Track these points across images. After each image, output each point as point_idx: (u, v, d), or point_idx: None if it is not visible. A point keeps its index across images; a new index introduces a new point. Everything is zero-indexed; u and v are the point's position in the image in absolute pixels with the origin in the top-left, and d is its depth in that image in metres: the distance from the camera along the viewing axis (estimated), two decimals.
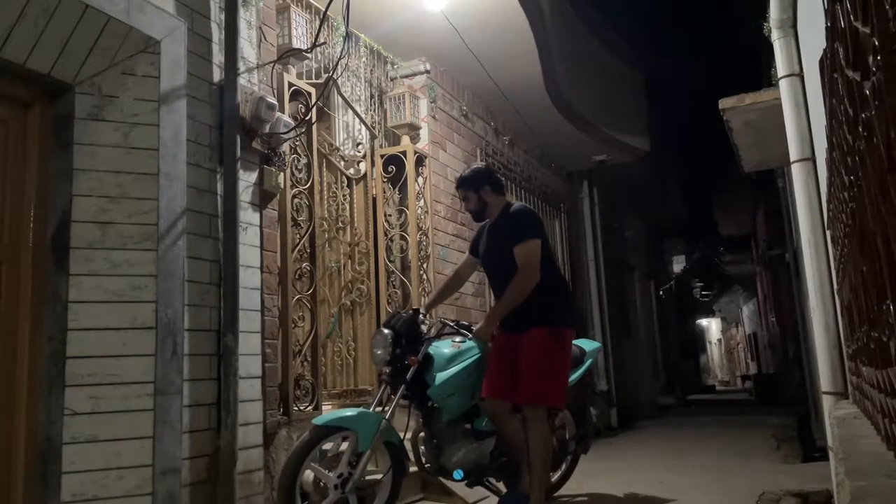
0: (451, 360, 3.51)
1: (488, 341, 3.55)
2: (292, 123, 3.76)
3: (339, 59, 3.96)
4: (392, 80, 5.58)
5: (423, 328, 3.64)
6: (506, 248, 3.48)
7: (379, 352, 3.51)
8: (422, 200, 5.39)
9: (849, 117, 1.23)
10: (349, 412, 3.32)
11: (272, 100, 3.56)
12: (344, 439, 3.25)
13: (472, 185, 3.65)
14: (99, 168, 2.88)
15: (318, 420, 3.23)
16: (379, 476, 3.40)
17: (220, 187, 3.34)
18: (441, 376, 3.44)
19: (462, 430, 3.62)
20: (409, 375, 3.43)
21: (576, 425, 4.24)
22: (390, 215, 5.30)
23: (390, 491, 3.40)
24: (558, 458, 4.13)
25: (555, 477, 4.21)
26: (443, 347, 3.58)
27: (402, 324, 3.54)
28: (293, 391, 3.73)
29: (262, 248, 3.58)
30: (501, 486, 3.74)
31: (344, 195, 5.02)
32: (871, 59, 0.88)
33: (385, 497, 3.39)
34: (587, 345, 4.26)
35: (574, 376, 3.88)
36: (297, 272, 3.90)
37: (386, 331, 3.53)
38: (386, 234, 5.24)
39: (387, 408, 3.43)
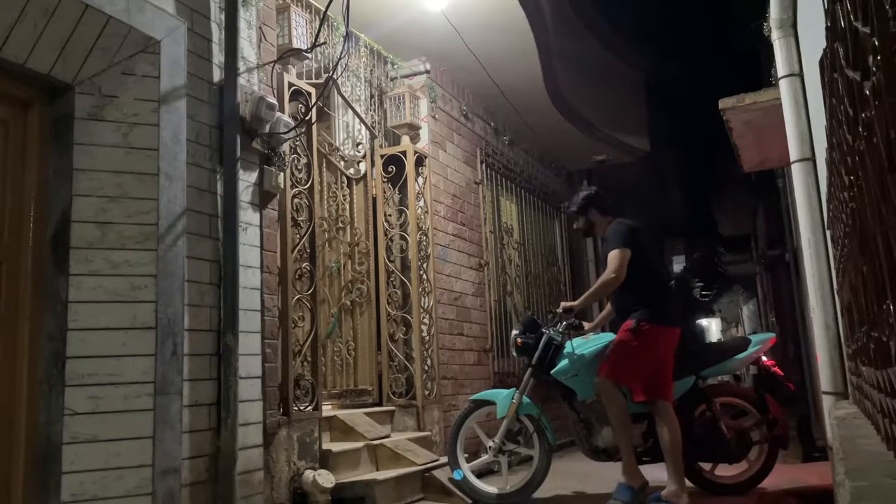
0: (579, 347, 4.16)
1: (571, 312, 4.15)
2: (292, 123, 3.76)
3: (339, 59, 3.96)
4: (392, 80, 5.59)
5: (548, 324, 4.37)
6: (606, 260, 4.04)
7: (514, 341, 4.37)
8: (422, 200, 5.39)
9: (849, 117, 1.23)
10: (494, 391, 4.52)
11: (272, 100, 3.56)
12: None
13: (581, 210, 4.26)
14: (99, 168, 2.88)
15: (473, 397, 4.53)
16: (522, 447, 4.24)
17: (220, 187, 3.34)
18: (560, 360, 4.14)
19: (599, 382, 4.05)
20: (535, 356, 4.17)
21: (758, 411, 4.26)
22: (390, 215, 5.30)
23: (538, 459, 4.18)
24: (734, 449, 4.16)
25: (737, 471, 4.30)
26: (577, 340, 4.22)
27: (525, 320, 4.48)
28: (293, 391, 3.73)
29: (262, 248, 3.58)
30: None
31: (344, 195, 5.02)
32: (871, 59, 0.88)
33: (535, 465, 4.19)
34: (756, 336, 4.47)
35: (726, 363, 4.22)
36: (297, 272, 3.90)
37: (515, 331, 4.42)
38: (386, 234, 5.24)
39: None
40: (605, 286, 4.03)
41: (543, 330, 4.26)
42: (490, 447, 4.26)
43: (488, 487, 4.27)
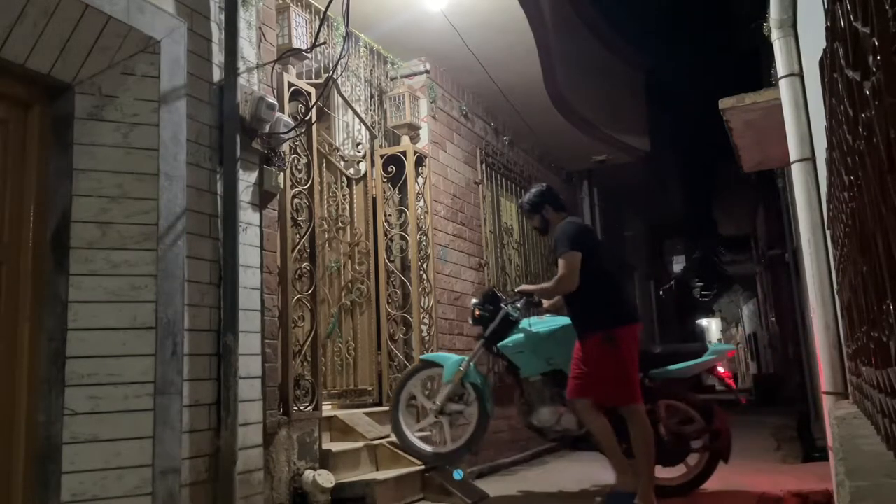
0: (533, 325, 4.25)
1: (527, 296, 4.19)
2: (292, 123, 3.76)
3: (339, 59, 3.96)
4: (392, 80, 5.59)
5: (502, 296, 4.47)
6: (555, 260, 4.01)
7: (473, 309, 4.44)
8: (422, 200, 5.39)
9: (849, 117, 1.23)
10: (444, 354, 4.58)
11: (272, 100, 3.56)
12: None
13: (534, 208, 4.15)
14: (99, 168, 2.88)
15: (423, 356, 4.64)
16: (464, 408, 4.30)
17: (219, 187, 3.34)
18: (513, 334, 4.24)
19: (552, 394, 4.21)
20: (490, 328, 4.26)
21: (704, 418, 4.24)
22: (390, 215, 5.30)
23: (475, 426, 4.25)
24: (670, 452, 4.16)
25: (676, 474, 4.31)
26: (532, 319, 4.31)
27: (486, 292, 4.58)
28: (293, 391, 3.73)
29: (262, 248, 3.58)
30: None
31: (344, 195, 5.02)
32: (871, 59, 0.88)
33: (470, 431, 4.26)
34: (716, 346, 4.48)
35: (679, 366, 4.24)
36: (297, 272, 3.90)
37: (475, 300, 4.53)
38: (386, 234, 5.24)
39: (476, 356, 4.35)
40: (558, 289, 3.96)
41: (502, 305, 4.30)
42: (431, 409, 4.35)
43: (426, 446, 4.37)
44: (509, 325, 4.28)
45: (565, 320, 4.17)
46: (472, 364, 4.29)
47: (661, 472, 4.29)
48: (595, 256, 3.87)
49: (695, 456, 4.27)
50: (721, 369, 4.42)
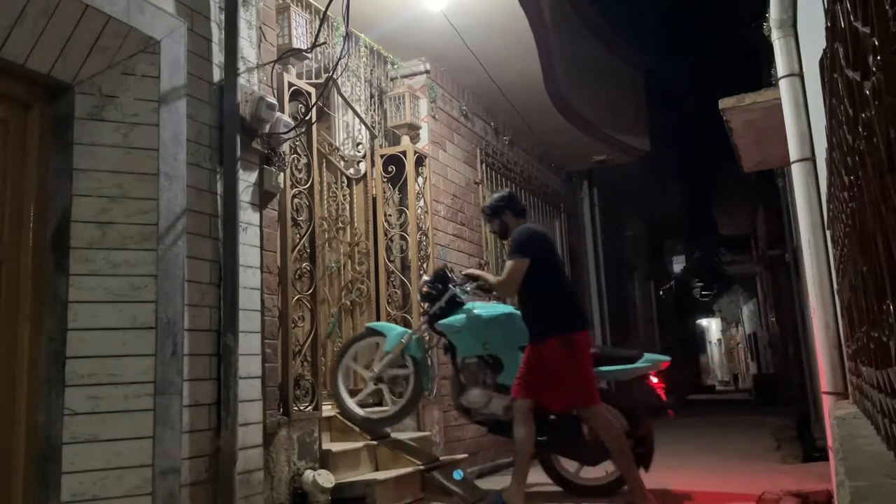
0: (477, 308, 4.28)
1: (472, 280, 4.30)
2: (292, 123, 3.76)
3: (339, 59, 3.96)
4: (392, 80, 5.58)
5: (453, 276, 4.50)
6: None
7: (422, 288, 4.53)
8: (422, 200, 5.39)
9: (849, 117, 1.23)
10: (390, 325, 4.62)
11: (272, 100, 3.56)
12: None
13: (494, 213, 4.22)
14: (99, 168, 2.88)
15: (368, 324, 4.68)
16: (404, 372, 4.39)
17: (220, 187, 3.34)
18: (459, 314, 4.26)
19: (486, 378, 4.26)
20: (436, 305, 4.30)
21: (630, 424, 4.27)
22: (390, 215, 5.30)
23: (407, 399, 4.37)
24: (592, 452, 4.20)
25: (599, 475, 4.38)
26: (479, 303, 4.35)
27: (437, 271, 4.62)
28: (293, 391, 3.73)
29: (262, 248, 3.58)
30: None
31: (344, 195, 5.02)
32: (871, 59, 0.88)
33: (401, 404, 4.37)
34: (651, 355, 4.49)
35: (610, 368, 4.28)
36: (297, 272, 3.90)
37: (426, 278, 4.61)
38: (386, 234, 5.24)
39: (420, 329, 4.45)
40: (497, 287, 4.14)
41: (451, 285, 4.34)
42: (368, 376, 4.44)
43: (359, 409, 4.42)
44: (456, 305, 4.31)
45: (508, 308, 4.30)
46: (414, 338, 4.36)
47: (587, 472, 4.42)
48: (548, 263, 3.94)
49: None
50: (654, 379, 4.43)
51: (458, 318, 4.26)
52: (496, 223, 4.23)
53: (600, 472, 4.37)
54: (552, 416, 4.03)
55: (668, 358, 4.59)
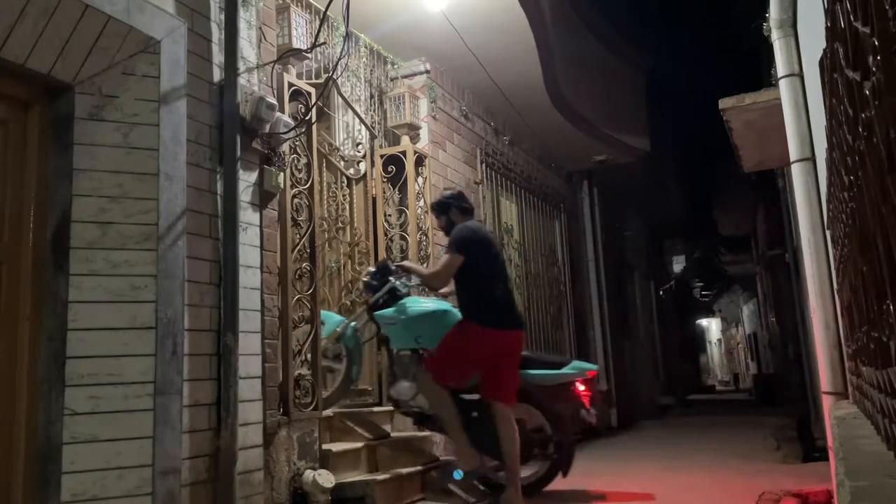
0: (414, 302, 4.33)
1: (405, 271, 4.37)
2: (292, 123, 3.76)
3: (339, 59, 3.96)
4: (392, 80, 5.58)
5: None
6: None
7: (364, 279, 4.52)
8: (422, 200, 5.39)
9: (849, 117, 1.23)
10: (329, 313, 4.51)
11: (272, 100, 3.56)
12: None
13: (441, 209, 4.30)
14: (99, 168, 2.88)
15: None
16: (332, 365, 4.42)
17: (220, 187, 3.34)
18: (395, 307, 4.27)
19: (416, 371, 4.25)
20: (375, 296, 4.32)
21: (552, 429, 4.37)
22: (390, 215, 5.30)
23: (336, 387, 4.37)
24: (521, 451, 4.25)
25: (524, 473, 4.38)
26: (419, 298, 4.43)
27: (380, 264, 4.61)
28: (293, 391, 3.73)
29: (262, 248, 3.58)
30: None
31: (344, 195, 5.02)
32: (871, 59, 0.88)
33: (334, 386, 4.36)
34: (578, 363, 4.60)
35: (535, 372, 4.33)
36: (297, 272, 3.90)
37: (371, 269, 4.59)
38: (386, 234, 5.24)
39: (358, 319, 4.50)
40: (428, 280, 4.27)
41: (391, 278, 4.37)
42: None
43: None
44: (395, 297, 4.34)
45: (445, 305, 4.35)
46: (349, 327, 4.39)
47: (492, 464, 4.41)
48: (484, 262, 4.04)
49: (537, 464, 4.40)
50: (581, 387, 4.43)
51: (392, 311, 4.30)
52: (443, 219, 4.30)
53: (525, 471, 4.41)
54: (474, 414, 4.10)
55: (595, 367, 4.66)
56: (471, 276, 3.99)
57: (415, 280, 4.39)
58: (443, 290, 4.50)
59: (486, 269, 4.03)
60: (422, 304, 4.38)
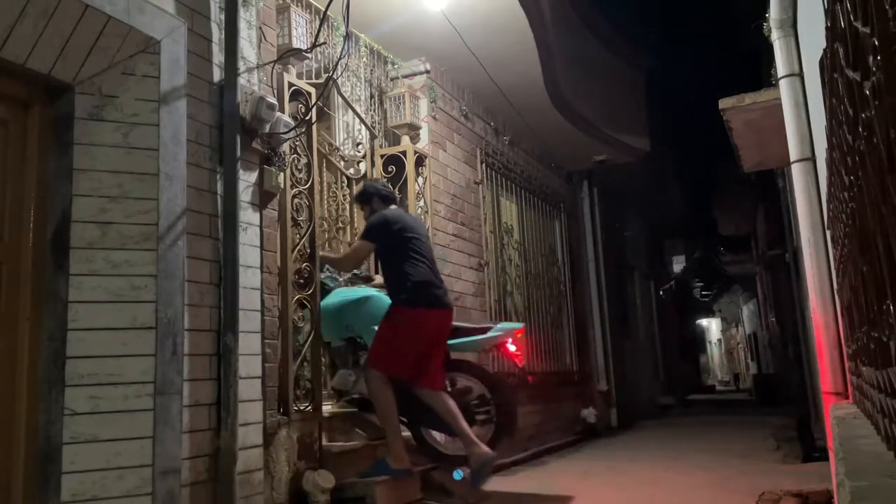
0: (332, 295, 4.38)
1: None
2: (292, 123, 3.76)
3: (339, 59, 3.96)
4: (392, 80, 5.58)
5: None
6: None
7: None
8: (422, 200, 5.39)
9: (849, 117, 1.23)
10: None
11: (272, 100, 3.56)
12: None
13: (364, 199, 4.43)
14: (99, 168, 2.88)
15: None
16: None
17: (220, 187, 3.34)
18: (324, 300, 4.28)
19: (353, 359, 4.36)
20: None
21: (490, 393, 4.40)
22: None
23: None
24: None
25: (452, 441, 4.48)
26: (343, 288, 4.50)
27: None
28: (293, 391, 3.73)
29: (262, 248, 3.58)
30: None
31: (344, 195, 5.02)
32: (871, 59, 0.88)
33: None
34: (502, 324, 4.68)
35: (461, 340, 4.38)
36: (297, 272, 3.90)
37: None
38: None
39: None
40: (338, 264, 4.42)
41: (320, 272, 4.40)
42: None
43: None
44: (325, 292, 4.35)
45: (368, 291, 4.43)
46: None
47: (454, 443, 4.46)
48: (403, 246, 4.14)
49: (483, 429, 4.42)
50: (512, 348, 4.48)
51: (322, 305, 4.34)
52: (367, 209, 4.41)
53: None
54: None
55: (521, 325, 4.71)
56: (391, 261, 4.14)
57: (346, 275, 4.50)
58: (378, 282, 4.60)
59: (406, 252, 4.12)
60: (346, 293, 4.45)
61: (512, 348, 4.48)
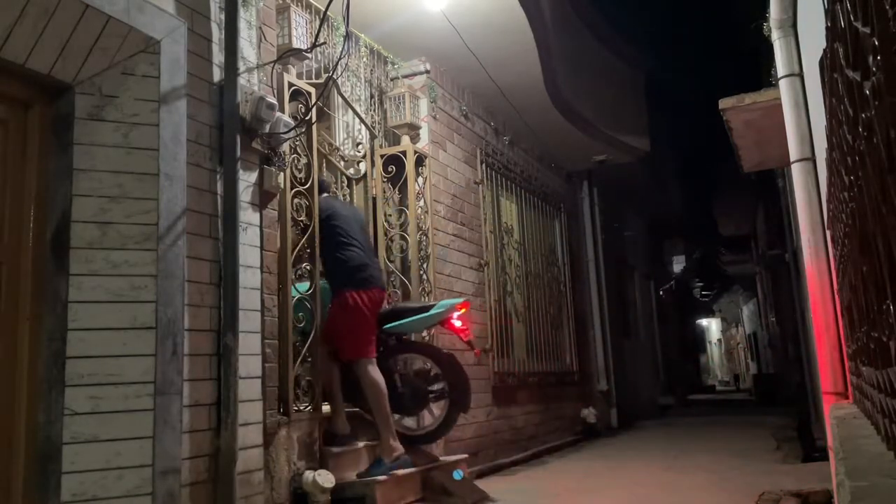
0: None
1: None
2: (292, 123, 3.76)
3: (339, 59, 3.96)
4: (392, 80, 5.58)
5: None
6: None
7: None
8: (422, 200, 5.39)
9: (849, 117, 1.23)
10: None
11: (272, 100, 3.56)
12: None
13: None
14: (99, 168, 2.88)
15: None
16: None
17: (220, 187, 3.34)
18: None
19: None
20: None
21: (441, 370, 4.49)
22: (390, 215, 5.30)
23: None
24: (408, 402, 4.44)
25: (415, 422, 4.61)
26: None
27: None
28: (293, 391, 3.73)
29: (262, 248, 3.58)
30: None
31: (344, 195, 5.02)
32: (871, 59, 0.88)
33: None
34: (444, 301, 4.71)
35: (403, 321, 4.46)
36: (297, 272, 3.90)
37: None
38: (386, 234, 5.24)
39: None
40: None
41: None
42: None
43: None
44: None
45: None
46: None
47: (409, 422, 4.61)
48: (337, 231, 4.24)
49: (437, 407, 4.54)
50: (458, 323, 4.53)
51: None
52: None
53: (428, 419, 4.61)
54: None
55: (462, 300, 4.76)
56: (326, 248, 4.18)
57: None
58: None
59: (339, 238, 4.22)
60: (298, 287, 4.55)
61: (457, 324, 4.53)
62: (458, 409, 4.50)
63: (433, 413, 4.60)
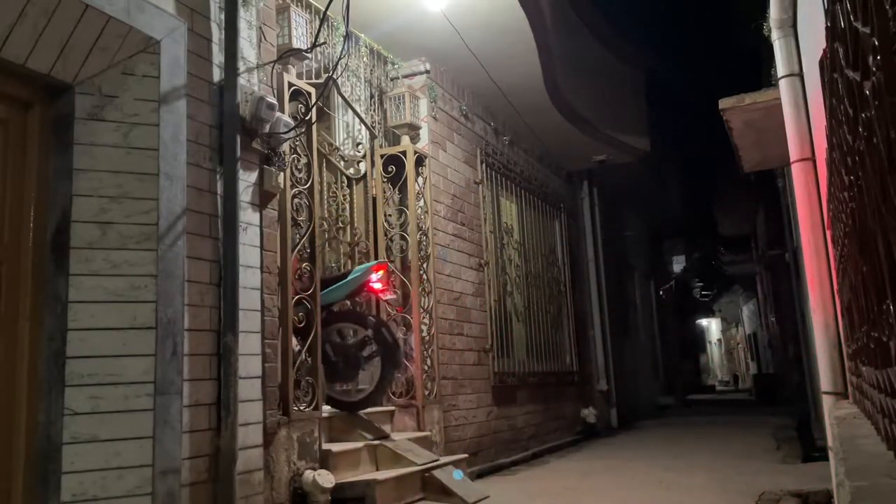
0: None
1: None
2: (292, 123, 3.76)
3: (339, 59, 3.96)
4: (392, 80, 5.59)
5: None
6: None
7: None
8: (422, 200, 5.39)
9: (849, 117, 1.23)
10: None
11: (272, 100, 3.56)
12: None
13: None
14: (99, 168, 2.88)
15: None
16: None
17: (220, 187, 3.34)
18: None
19: None
20: None
21: (370, 332, 4.52)
22: (390, 215, 5.30)
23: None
24: (342, 369, 4.47)
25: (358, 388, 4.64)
26: None
27: None
28: (293, 391, 3.73)
29: (262, 248, 3.58)
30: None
31: (344, 195, 5.02)
32: (871, 59, 0.88)
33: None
34: (360, 266, 4.76)
35: (325, 291, 4.39)
36: (297, 272, 3.90)
37: None
38: (386, 234, 5.24)
39: None
40: None
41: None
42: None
43: None
44: None
45: None
46: None
47: (347, 389, 4.63)
48: None
49: (371, 364, 4.57)
50: (378, 286, 4.54)
51: None
52: None
53: (366, 383, 4.64)
54: None
55: (378, 262, 4.79)
56: None
57: None
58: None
59: None
60: None
61: (377, 286, 4.54)
62: (391, 366, 4.53)
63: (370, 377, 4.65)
